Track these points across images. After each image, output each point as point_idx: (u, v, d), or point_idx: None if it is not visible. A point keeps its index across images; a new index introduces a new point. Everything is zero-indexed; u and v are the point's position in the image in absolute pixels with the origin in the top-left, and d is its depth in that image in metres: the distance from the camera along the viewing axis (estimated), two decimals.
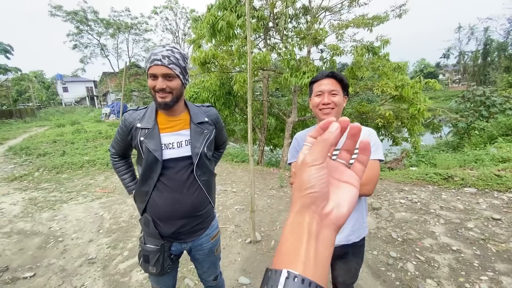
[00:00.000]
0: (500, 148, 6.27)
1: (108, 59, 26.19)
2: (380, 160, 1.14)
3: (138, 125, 1.14)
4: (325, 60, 6.59)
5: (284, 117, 7.75)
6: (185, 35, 25.20)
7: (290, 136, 6.90)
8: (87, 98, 39.34)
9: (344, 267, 1.31)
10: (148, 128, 1.13)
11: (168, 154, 1.14)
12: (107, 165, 6.40)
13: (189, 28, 23.84)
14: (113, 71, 26.96)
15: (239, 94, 6.99)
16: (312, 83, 1.21)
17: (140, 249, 1.24)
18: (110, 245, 2.86)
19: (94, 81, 40.08)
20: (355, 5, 7.00)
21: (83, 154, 7.68)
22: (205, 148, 1.21)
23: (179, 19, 24.79)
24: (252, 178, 2.77)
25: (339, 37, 7.11)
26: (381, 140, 7.73)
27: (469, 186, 3.85)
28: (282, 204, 3.79)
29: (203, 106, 1.32)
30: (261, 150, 8.00)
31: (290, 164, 1.21)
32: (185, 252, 1.35)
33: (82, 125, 13.92)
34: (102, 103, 35.11)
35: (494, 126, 8.28)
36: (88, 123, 15.87)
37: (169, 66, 1.04)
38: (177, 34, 25.20)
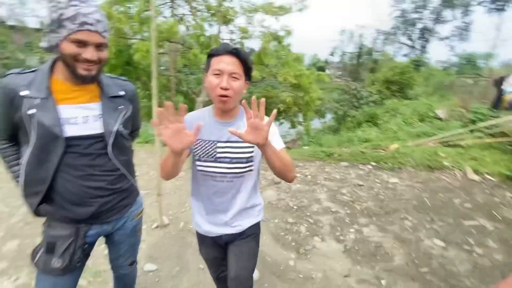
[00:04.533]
0: (364, 131, 8.09)
1: None
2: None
3: (23, 93, 0.87)
4: (234, 41, 6.63)
5: (194, 96, 7.45)
6: None
7: None
8: None
9: (236, 251, 1.17)
10: (40, 98, 0.88)
11: (70, 130, 0.92)
12: None
13: None
14: None
15: (141, 65, 6.19)
16: (210, 56, 1.00)
17: (43, 235, 1.01)
18: None
19: None
20: None
21: None
22: (121, 126, 1.04)
23: None
24: (158, 160, 2.56)
25: (249, 21, 7.25)
26: (281, 123, 8.68)
27: (344, 161, 4.84)
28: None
29: (119, 78, 1.15)
30: None
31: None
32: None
33: None
34: None
35: (361, 114, 10.57)
36: None
37: (103, 34, 0.89)
38: None
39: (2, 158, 1.03)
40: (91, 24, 0.84)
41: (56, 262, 0.97)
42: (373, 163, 4.65)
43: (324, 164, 4.77)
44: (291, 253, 2.35)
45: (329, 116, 12.82)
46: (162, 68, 8.26)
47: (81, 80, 0.93)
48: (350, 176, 4.18)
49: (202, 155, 1.08)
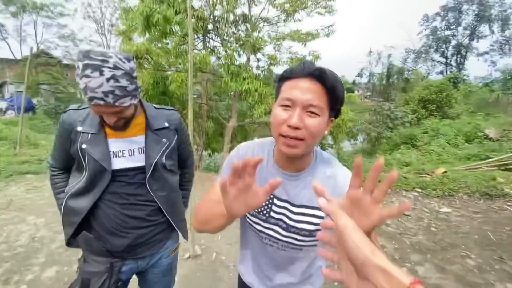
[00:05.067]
0: (403, 154, 7.55)
1: (7, 43, 21.34)
2: None
3: (79, 128, 0.94)
4: (262, 68, 6.81)
5: (224, 122, 7.63)
6: (112, 26, 22.61)
7: (230, 141, 6.82)
8: None
9: None
10: (91, 133, 0.94)
11: (117, 163, 0.96)
12: (0, 173, 5.05)
13: (117, 19, 21.50)
14: (13, 57, 22.01)
15: (175, 95, 6.55)
16: (283, 79, 0.70)
17: (78, 272, 1.01)
18: (0, 278, 2.18)
19: None
20: (290, 20, 7.47)
21: None
22: (163, 158, 1.02)
23: (104, 7, 22.12)
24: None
25: (277, 48, 7.46)
26: None
27: None
28: None
29: (164, 108, 1.11)
30: (199, 155, 7.66)
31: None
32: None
33: None
34: None
35: (397, 135, 9.98)
36: None
37: (116, 103, 0.83)
38: (102, 24, 22.42)
39: (51, 184, 1.09)
40: (100, 99, 0.81)
41: None
42: (419, 190, 4.22)
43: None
44: None
45: (361, 138, 12.32)
46: (194, 96, 8.69)
47: (113, 129, 0.95)
48: (393, 204, 3.81)
49: (255, 213, 0.82)
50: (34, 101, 16.59)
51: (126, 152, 0.98)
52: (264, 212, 0.80)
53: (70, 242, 1.04)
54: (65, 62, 22.48)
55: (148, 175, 0.99)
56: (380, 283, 0.32)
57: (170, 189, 1.07)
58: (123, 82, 0.83)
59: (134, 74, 0.88)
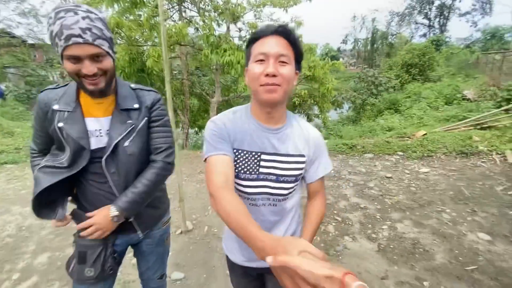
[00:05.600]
0: (386, 119, 7.73)
1: None
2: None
3: (55, 106, 0.92)
4: (244, 38, 6.52)
5: (208, 97, 7.45)
6: None
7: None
8: None
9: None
10: (68, 111, 0.92)
11: (94, 143, 0.95)
12: None
13: None
14: None
15: (154, 71, 6.25)
16: (251, 42, 0.80)
17: (74, 246, 1.01)
18: None
19: None
20: None
21: None
22: (127, 141, 0.96)
23: None
24: (177, 164, 2.52)
25: (257, 15, 7.10)
26: None
27: (368, 152, 4.60)
28: None
29: (142, 89, 1.04)
30: (185, 133, 7.55)
31: (206, 159, 0.81)
32: None
33: None
34: None
35: (381, 101, 10.13)
36: None
37: (95, 42, 0.80)
38: None
39: (32, 166, 1.04)
40: (78, 36, 0.76)
41: (89, 271, 0.98)
42: (400, 153, 4.40)
43: (347, 157, 4.57)
44: None
45: (346, 106, 12.43)
46: (175, 72, 8.34)
47: (91, 95, 0.91)
48: (376, 168, 3.97)
49: (241, 171, 0.85)
50: (2, 86, 15.45)
51: (98, 132, 0.95)
52: (252, 170, 0.85)
53: (40, 212, 0.98)
54: (30, 41, 20.61)
55: (105, 156, 0.94)
56: (327, 284, 0.39)
57: (127, 176, 0.99)
58: (98, 24, 0.81)
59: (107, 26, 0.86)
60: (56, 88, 0.97)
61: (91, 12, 0.81)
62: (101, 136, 0.96)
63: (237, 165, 0.85)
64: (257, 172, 0.85)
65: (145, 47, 6.15)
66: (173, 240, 2.47)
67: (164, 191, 1.23)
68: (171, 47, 6.26)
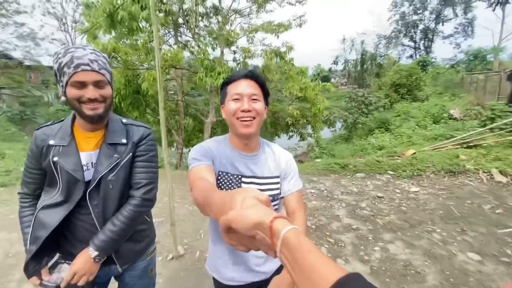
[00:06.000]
0: (377, 138, 7.90)
1: None
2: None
3: (51, 142, 0.96)
4: (238, 61, 6.76)
5: (202, 118, 7.55)
6: (76, 23, 21.23)
7: (210, 136, 6.78)
8: None
9: None
10: (62, 145, 0.96)
11: (87, 175, 0.98)
12: None
13: (80, 14, 20.18)
14: None
15: (149, 93, 6.38)
16: (226, 84, 0.95)
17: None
18: None
19: None
20: (262, 11, 7.44)
21: None
22: (111, 175, 0.98)
23: (65, 2, 20.66)
24: (169, 187, 2.54)
25: (250, 40, 7.42)
26: (291, 137, 8.60)
27: (360, 172, 4.68)
28: None
29: (134, 124, 1.08)
30: (179, 153, 7.56)
31: (193, 167, 0.88)
32: None
33: None
34: None
35: (372, 120, 10.39)
36: None
37: (100, 71, 0.91)
38: (64, 21, 20.96)
39: (19, 217, 1.05)
40: (86, 65, 0.87)
41: None
42: (391, 172, 4.48)
43: (339, 177, 4.63)
44: None
45: (339, 125, 12.67)
46: (170, 92, 8.50)
47: (89, 121, 0.95)
48: (368, 188, 4.02)
49: (228, 188, 0.94)
50: None
51: (88, 166, 0.99)
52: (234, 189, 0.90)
53: (29, 264, 0.95)
54: (26, 63, 20.87)
55: (89, 189, 0.96)
56: (260, 232, 0.38)
57: (107, 208, 1.00)
58: (103, 59, 0.94)
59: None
60: (53, 124, 1.02)
61: (97, 51, 0.94)
62: (90, 169, 0.99)
63: (222, 186, 0.94)
64: None
65: (141, 70, 6.31)
66: (163, 266, 2.44)
67: (149, 223, 1.19)
68: (167, 70, 6.44)
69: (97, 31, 5.82)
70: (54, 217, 0.96)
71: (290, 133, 8.56)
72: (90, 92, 0.90)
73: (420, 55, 27.26)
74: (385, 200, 3.56)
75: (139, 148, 1.05)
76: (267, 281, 1.03)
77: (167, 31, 6.99)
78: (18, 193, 1.07)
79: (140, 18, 4.70)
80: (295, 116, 7.18)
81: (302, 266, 0.33)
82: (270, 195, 0.96)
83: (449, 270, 2.20)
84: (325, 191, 4.02)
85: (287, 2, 7.29)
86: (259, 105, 0.90)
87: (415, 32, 29.44)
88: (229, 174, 0.95)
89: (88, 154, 0.99)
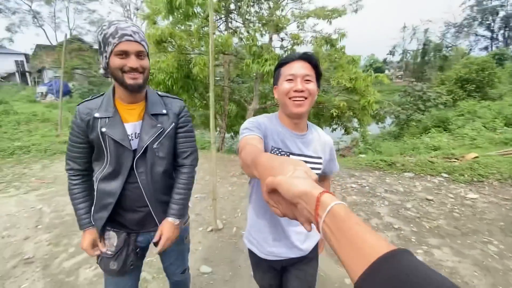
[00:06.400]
0: (432, 138, 7.17)
1: (43, 30, 22.79)
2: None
3: (96, 114, 1.00)
4: (286, 48, 6.66)
5: (246, 104, 7.70)
6: (137, 9, 22.96)
7: None
8: (16, 74, 33.51)
9: (299, 275, 1.11)
10: (108, 117, 1.00)
11: (133, 144, 1.04)
12: (45, 152, 5.64)
13: (142, 1, 21.75)
14: (50, 43, 23.42)
15: (198, 77, 6.69)
16: (279, 66, 0.98)
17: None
18: (52, 242, 2.55)
19: (25, 55, 34.12)
20: None
21: (13, 139, 6.66)
22: (156, 144, 1.05)
23: None
24: (214, 166, 2.70)
25: (300, 27, 7.20)
26: (334, 129, 8.27)
27: (408, 171, 4.35)
28: (243, 191, 3.81)
29: (168, 96, 1.15)
30: (221, 137, 7.88)
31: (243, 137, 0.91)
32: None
33: (11, 105, 11.96)
34: (36, 81, 30.45)
35: (429, 118, 9.42)
36: (19, 103, 13.68)
37: (141, 42, 0.95)
38: (128, 8, 22.87)
39: (70, 194, 1.10)
40: (130, 35, 0.92)
41: (113, 265, 1.09)
42: (445, 175, 4.07)
43: (384, 174, 4.37)
44: None
45: (389, 121, 11.77)
46: (217, 78, 8.80)
47: (130, 90, 0.99)
48: (416, 189, 3.73)
49: None
50: (70, 85, 17.71)
51: (132, 136, 1.04)
52: None
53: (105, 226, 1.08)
54: (95, 47, 23.49)
55: (136, 157, 1.02)
56: (304, 201, 0.39)
57: (155, 175, 1.08)
58: (142, 32, 0.98)
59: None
60: (93, 98, 1.06)
61: (136, 25, 0.98)
62: (134, 139, 1.04)
63: None
64: None
65: (192, 55, 6.63)
66: (204, 236, 2.64)
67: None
68: (216, 56, 6.66)
69: (156, 17, 6.25)
70: (115, 185, 1.04)
71: (334, 126, 8.22)
72: (132, 62, 0.94)
73: (497, 47, 23.48)
74: (434, 203, 3.28)
75: (181, 119, 1.13)
76: (303, 258, 1.08)
77: (218, 17, 7.17)
78: (67, 170, 1.10)
79: (196, 4, 4.90)
80: (341, 107, 6.86)
81: (350, 236, 0.34)
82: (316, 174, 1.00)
83: (503, 286, 1.98)
84: (367, 187, 3.85)
85: None
86: (312, 86, 0.93)
87: (493, 20, 25.26)
88: (279, 150, 0.98)
89: (132, 125, 1.04)
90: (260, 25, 6.68)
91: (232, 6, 6.86)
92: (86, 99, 1.07)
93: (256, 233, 1.09)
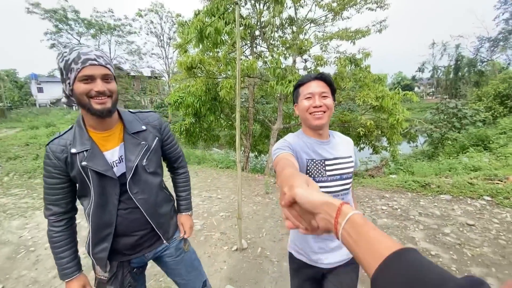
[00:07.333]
0: (471, 158, 6.67)
1: None
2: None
3: (73, 150, 0.95)
4: (309, 70, 6.79)
5: (270, 124, 7.83)
6: (170, 39, 24.94)
7: (275, 142, 6.97)
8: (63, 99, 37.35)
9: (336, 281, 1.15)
10: (86, 150, 0.96)
11: (116, 171, 1.02)
12: None
13: (174, 32, 23.64)
14: None
15: (224, 100, 7.00)
16: (298, 86, 1.11)
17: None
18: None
19: None
20: (338, 19, 7.29)
21: None
22: (144, 161, 1.06)
23: (164, 22, 24.53)
24: (239, 185, 2.75)
25: (323, 48, 7.35)
26: (362, 149, 8.01)
27: (445, 193, 4.05)
28: (267, 210, 3.79)
29: (141, 112, 1.15)
30: (246, 156, 7.99)
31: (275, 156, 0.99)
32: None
33: (58, 128, 13.26)
34: None
35: (466, 136, 8.82)
36: (65, 126, 15.14)
37: (107, 66, 0.93)
38: (162, 38, 24.91)
39: (50, 241, 1.02)
40: (93, 59, 0.89)
41: None
42: (487, 198, 3.74)
43: (417, 196, 4.12)
44: None
45: (422, 140, 11.18)
46: (242, 100, 9.12)
47: (98, 115, 0.94)
48: (454, 212, 3.46)
49: (315, 175, 1.07)
50: None
51: (115, 162, 1.02)
52: (322, 174, 1.08)
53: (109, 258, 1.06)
54: (132, 74, 25.77)
55: (128, 179, 1.01)
56: (325, 211, 0.44)
57: (150, 192, 1.08)
58: (107, 56, 0.96)
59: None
60: (62, 134, 1.00)
61: (100, 50, 0.96)
62: (119, 163, 1.02)
63: (311, 172, 1.08)
64: (325, 175, 1.09)
65: (219, 79, 7.00)
66: (229, 256, 2.65)
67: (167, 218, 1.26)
68: (241, 78, 6.96)
69: (188, 46, 6.76)
70: (108, 216, 1.01)
71: (362, 145, 7.99)
72: (99, 86, 0.90)
73: None
74: (476, 229, 3.00)
75: (163, 132, 1.17)
76: (346, 265, 1.15)
77: (244, 43, 7.57)
78: (48, 216, 1.02)
79: (223, 33, 5.25)
80: (368, 126, 6.70)
81: (368, 238, 0.40)
82: (348, 173, 1.13)
83: None
84: (398, 210, 3.64)
85: (366, 8, 6.96)
86: (329, 101, 1.06)
87: None
88: (314, 160, 1.08)
89: (113, 151, 1.02)
90: (283, 48, 6.94)
91: (257, 33, 7.23)
92: (54, 137, 0.99)
93: (302, 243, 1.16)
